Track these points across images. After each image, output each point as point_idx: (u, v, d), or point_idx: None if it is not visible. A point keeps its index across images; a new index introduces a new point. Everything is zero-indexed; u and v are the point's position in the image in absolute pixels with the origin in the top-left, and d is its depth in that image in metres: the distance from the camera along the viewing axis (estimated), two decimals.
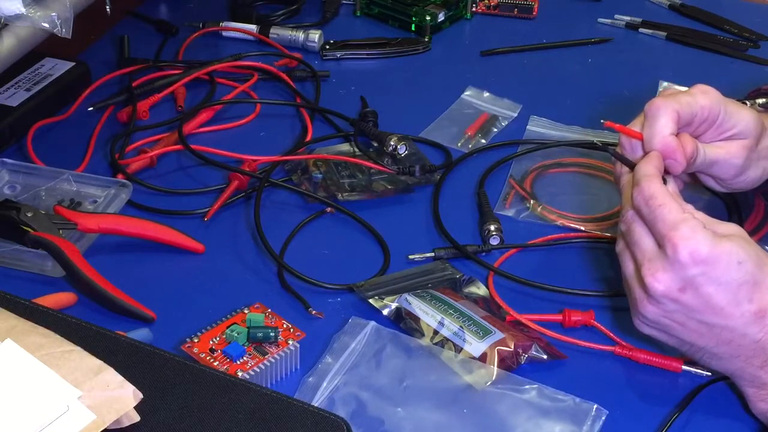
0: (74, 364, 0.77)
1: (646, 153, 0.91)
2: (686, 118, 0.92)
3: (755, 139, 0.96)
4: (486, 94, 1.33)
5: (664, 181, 0.90)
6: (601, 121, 0.95)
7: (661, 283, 0.84)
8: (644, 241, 0.87)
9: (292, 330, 0.94)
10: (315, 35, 1.42)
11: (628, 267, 0.89)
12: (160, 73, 1.33)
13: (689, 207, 0.88)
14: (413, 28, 1.47)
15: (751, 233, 1.08)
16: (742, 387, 0.89)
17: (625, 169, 0.92)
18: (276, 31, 1.43)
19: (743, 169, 0.97)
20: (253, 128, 1.27)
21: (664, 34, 1.48)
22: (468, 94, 1.34)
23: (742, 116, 0.95)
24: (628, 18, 1.51)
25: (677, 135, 0.92)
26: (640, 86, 1.35)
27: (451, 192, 1.17)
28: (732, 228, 0.87)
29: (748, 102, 1.05)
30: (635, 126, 0.93)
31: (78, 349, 0.79)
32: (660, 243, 0.85)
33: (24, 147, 1.20)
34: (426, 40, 1.45)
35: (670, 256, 0.83)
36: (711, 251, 0.83)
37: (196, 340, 0.92)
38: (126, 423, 0.76)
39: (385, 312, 0.99)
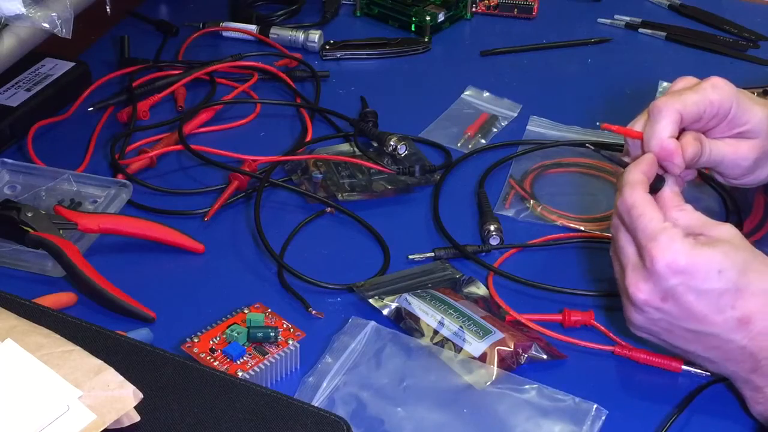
0: (74, 364, 0.77)
1: (645, 153, 0.91)
2: (692, 117, 0.91)
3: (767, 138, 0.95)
4: (486, 94, 1.33)
5: (661, 182, 0.89)
6: (597, 123, 0.95)
7: (643, 292, 0.85)
8: (627, 249, 0.87)
9: (292, 330, 0.94)
10: (315, 35, 1.42)
11: (618, 272, 0.89)
12: (160, 73, 1.33)
13: (688, 207, 0.88)
14: (413, 28, 1.47)
15: (751, 233, 1.08)
16: (740, 389, 0.89)
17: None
18: (276, 32, 1.43)
19: (752, 169, 0.96)
20: (253, 128, 1.27)
21: (664, 34, 1.48)
22: (468, 94, 1.34)
23: (755, 113, 0.93)
24: (627, 18, 1.51)
25: (682, 133, 0.91)
26: (640, 86, 1.35)
27: (451, 192, 1.17)
28: (724, 231, 0.86)
29: None
30: (637, 123, 0.92)
31: (78, 349, 0.79)
32: (640, 253, 0.85)
33: (24, 147, 1.20)
34: (426, 40, 1.45)
35: (648, 268, 0.84)
36: (689, 261, 0.82)
37: (196, 340, 0.92)
38: (126, 423, 0.76)
39: (385, 312, 0.99)
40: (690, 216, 0.87)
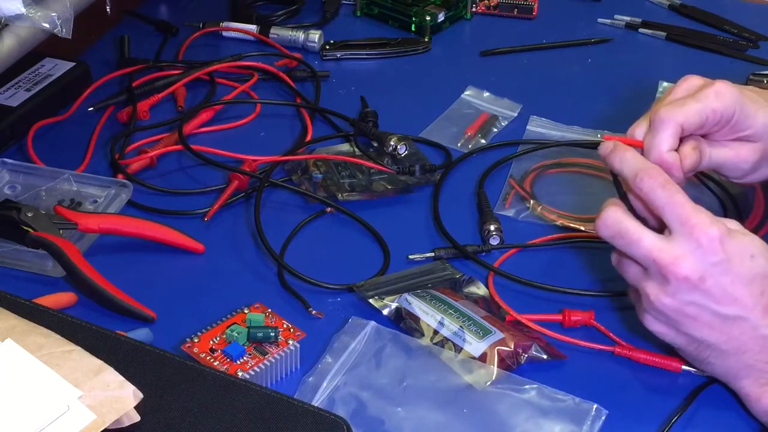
0: (74, 364, 0.77)
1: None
2: (693, 128, 0.91)
3: None
4: (486, 94, 1.33)
5: None
6: (599, 135, 0.95)
7: (683, 268, 0.84)
8: (645, 235, 0.86)
9: (292, 330, 0.94)
10: (315, 35, 1.42)
11: (631, 270, 0.89)
12: (160, 73, 1.33)
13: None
14: (413, 28, 1.47)
15: (752, 232, 1.08)
16: (744, 388, 0.88)
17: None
18: (276, 31, 1.43)
19: (754, 169, 0.96)
20: (253, 128, 1.27)
21: (664, 34, 1.48)
22: (468, 94, 1.34)
23: (758, 118, 0.93)
24: (628, 18, 1.51)
25: (682, 140, 0.92)
26: (640, 86, 1.35)
27: (451, 192, 1.17)
28: (736, 225, 0.87)
29: None
30: (638, 129, 0.92)
31: (78, 349, 0.79)
32: (676, 230, 0.85)
33: (24, 147, 1.20)
34: (426, 40, 1.45)
35: (692, 241, 0.84)
36: (728, 242, 0.84)
37: (196, 340, 0.92)
38: (126, 423, 0.76)
39: (385, 312, 0.99)
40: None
